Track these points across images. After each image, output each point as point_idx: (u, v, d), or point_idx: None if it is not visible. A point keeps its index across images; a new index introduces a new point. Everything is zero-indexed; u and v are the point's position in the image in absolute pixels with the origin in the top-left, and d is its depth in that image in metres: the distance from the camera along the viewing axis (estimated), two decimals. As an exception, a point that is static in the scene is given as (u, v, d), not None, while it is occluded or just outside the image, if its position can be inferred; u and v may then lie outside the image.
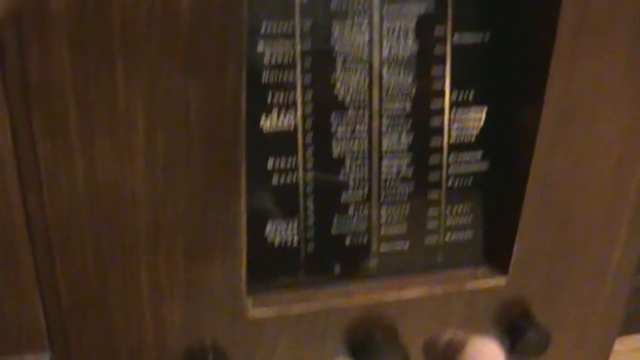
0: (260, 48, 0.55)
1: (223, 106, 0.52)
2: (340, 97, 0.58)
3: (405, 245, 0.63)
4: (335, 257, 0.62)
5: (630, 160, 0.61)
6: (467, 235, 0.64)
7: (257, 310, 0.59)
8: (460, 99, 0.60)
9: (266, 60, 0.56)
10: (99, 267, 0.55)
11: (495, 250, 0.64)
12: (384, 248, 0.63)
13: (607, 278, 0.66)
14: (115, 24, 0.48)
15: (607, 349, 0.71)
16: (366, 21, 0.57)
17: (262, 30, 0.55)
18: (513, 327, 0.65)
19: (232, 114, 0.52)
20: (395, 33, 0.58)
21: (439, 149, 0.61)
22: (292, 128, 0.58)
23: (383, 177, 0.61)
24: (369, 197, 0.61)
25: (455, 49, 0.59)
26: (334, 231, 0.61)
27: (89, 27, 0.48)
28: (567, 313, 0.67)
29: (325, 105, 0.58)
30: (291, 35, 0.56)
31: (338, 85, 0.58)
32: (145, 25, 0.49)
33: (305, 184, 0.59)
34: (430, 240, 0.63)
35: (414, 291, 0.62)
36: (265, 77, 0.56)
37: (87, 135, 0.51)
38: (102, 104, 0.50)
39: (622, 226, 0.64)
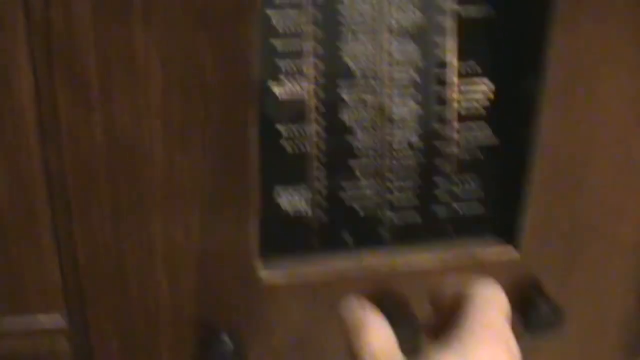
0: (273, 19, 0.58)
1: (237, 66, 0.54)
2: (350, 66, 0.60)
3: (416, 215, 0.64)
4: (347, 226, 0.63)
5: (636, 126, 0.62)
6: (479, 208, 0.65)
7: (270, 276, 0.61)
8: (467, 71, 0.62)
9: (279, 29, 0.58)
10: (115, 226, 0.57)
11: (507, 224, 0.65)
12: (395, 218, 0.64)
13: (621, 254, 0.67)
14: (134, -20, 0.51)
15: (626, 328, 0.71)
16: (374, -8, 0.59)
17: (276, 1, 0.58)
18: (526, 302, 0.65)
19: (245, 74, 0.54)
20: (403, 4, 0.60)
21: (448, 120, 0.63)
22: (303, 94, 0.60)
23: (393, 146, 0.62)
24: (378, 166, 0.62)
25: (461, 22, 0.61)
26: (345, 200, 0.63)
27: (110, -17, 0.51)
28: (581, 290, 0.68)
29: (335, 74, 0.60)
30: (302, 6, 0.58)
31: (348, 54, 0.60)
32: (162, -17, 0.51)
33: (318, 151, 0.61)
34: (441, 211, 0.64)
35: (425, 260, 0.63)
36: (279, 46, 0.59)
37: (106, 90, 0.53)
38: (121, 60, 0.52)
39: (631, 198, 0.65)
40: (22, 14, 0.51)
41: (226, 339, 0.60)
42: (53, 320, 0.59)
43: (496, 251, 0.65)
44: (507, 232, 0.65)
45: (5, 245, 0.56)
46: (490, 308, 0.48)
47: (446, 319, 0.49)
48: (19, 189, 0.54)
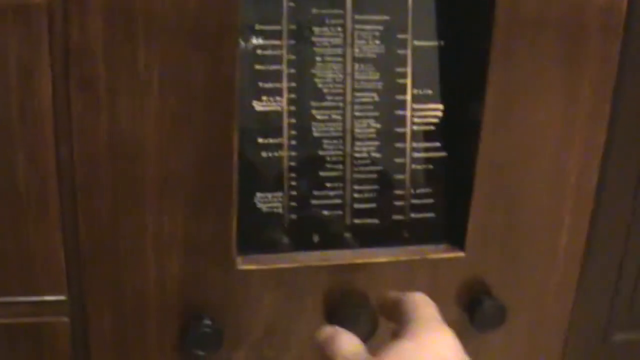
0: (253, 42, 0.69)
1: (221, 77, 0.64)
2: (319, 87, 0.71)
3: (375, 218, 0.74)
4: (314, 226, 0.73)
5: (567, 144, 0.72)
6: (430, 214, 0.75)
7: (246, 266, 0.69)
8: (420, 94, 0.73)
9: (259, 52, 0.69)
10: (113, 213, 0.66)
11: (454, 229, 0.74)
12: (356, 221, 0.73)
13: (557, 259, 0.76)
14: (138, 4, 0.62)
15: (563, 329, 0.79)
16: (340, 26, 0.70)
17: (256, 28, 0.68)
18: (472, 300, 0.74)
19: (228, 84, 0.64)
20: (366, 36, 0.71)
21: (404, 136, 0.73)
22: (279, 110, 0.70)
23: (355, 157, 0.72)
24: (343, 175, 0.72)
25: (416, 52, 0.72)
26: (313, 203, 0.72)
27: (119, 4, 0.61)
28: (522, 291, 0.77)
29: (306, 93, 0.71)
30: (279, 34, 0.69)
31: (317, 77, 0.70)
32: (161, 7, 0.62)
33: (290, 159, 0.71)
34: (397, 215, 0.74)
35: (381, 257, 0.72)
36: (258, 66, 0.69)
37: (111, 95, 0.63)
38: (125, 70, 0.63)
39: (565, 209, 0.75)
40: (47, 30, 0.61)
41: (207, 320, 0.69)
42: (56, 297, 0.67)
43: (444, 251, 0.74)
44: (454, 235, 0.74)
45: (20, 227, 0.65)
46: (424, 305, 0.59)
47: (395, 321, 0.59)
48: (34, 177, 0.64)
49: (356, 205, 0.73)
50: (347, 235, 0.74)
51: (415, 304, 0.59)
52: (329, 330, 0.59)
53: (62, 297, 0.67)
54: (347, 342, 0.57)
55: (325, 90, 0.71)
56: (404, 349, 0.54)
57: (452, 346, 0.55)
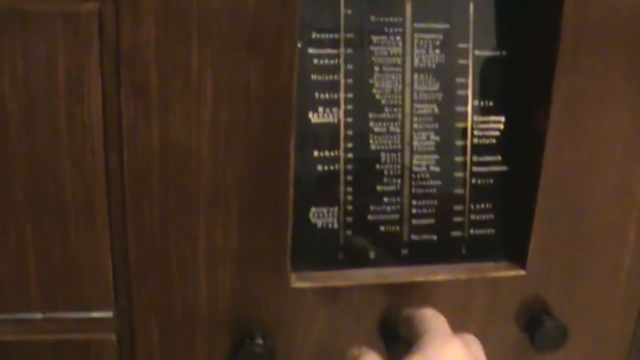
0: (310, 52, 0.66)
1: (278, 84, 0.62)
2: (377, 98, 0.68)
3: (433, 235, 0.71)
4: (370, 242, 0.70)
5: (634, 157, 0.69)
6: (490, 230, 0.72)
7: (299, 282, 0.67)
8: (481, 105, 0.70)
9: (315, 62, 0.67)
10: (163, 224, 0.63)
11: (515, 245, 0.71)
12: (414, 237, 0.70)
13: (621, 277, 0.73)
14: (192, 7, 0.59)
15: (625, 346, 0.75)
16: (400, 34, 0.68)
17: (313, 37, 0.66)
18: (532, 320, 0.71)
19: (285, 92, 0.62)
20: (424, 45, 0.68)
21: (464, 149, 0.70)
22: (335, 122, 0.67)
23: (414, 171, 0.69)
24: (401, 190, 0.69)
25: (477, 62, 0.69)
26: (370, 219, 0.69)
27: (172, 8, 0.59)
28: (584, 311, 0.73)
29: (364, 104, 0.68)
30: (336, 43, 0.67)
31: (375, 87, 0.68)
32: (217, 9, 0.60)
33: (346, 173, 0.68)
34: (456, 232, 0.71)
35: (440, 275, 0.69)
36: (314, 76, 0.67)
37: (163, 102, 0.61)
38: (178, 76, 0.60)
39: (630, 225, 0.71)
40: (97, 34, 0.59)
41: (259, 338, 0.66)
42: (103, 312, 0.65)
43: (504, 269, 0.71)
44: (514, 252, 0.71)
45: (67, 239, 0.63)
46: (433, 319, 0.62)
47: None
48: (82, 186, 0.62)
49: (414, 221, 0.70)
50: (404, 251, 0.71)
51: (424, 318, 0.62)
52: (356, 350, 0.61)
53: (109, 314, 0.65)
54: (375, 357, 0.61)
55: (383, 102, 0.68)
56: None
57: (461, 357, 0.57)
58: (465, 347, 0.59)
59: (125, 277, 0.64)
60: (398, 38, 0.68)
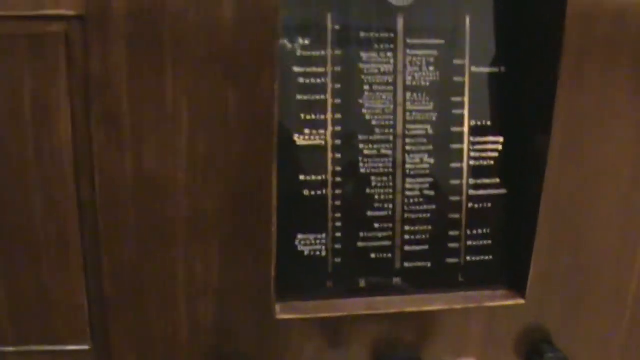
0: (295, 70, 0.63)
1: (258, 111, 0.58)
2: (367, 119, 0.64)
3: (426, 262, 0.67)
4: (360, 270, 0.66)
5: (638, 180, 0.65)
6: (488, 257, 0.68)
7: (285, 313, 0.64)
8: (478, 125, 0.66)
9: (301, 81, 0.63)
10: (140, 256, 0.61)
11: (513, 272, 0.68)
12: (407, 264, 0.67)
13: (625, 306, 0.69)
14: (166, 31, 0.56)
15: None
16: (391, 51, 0.64)
17: (298, 54, 0.62)
18: (532, 350, 0.68)
19: (266, 118, 0.59)
20: (418, 62, 0.64)
21: (459, 172, 0.66)
22: (323, 144, 0.64)
23: (406, 195, 0.66)
24: (392, 215, 0.66)
25: (473, 79, 0.65)
26: (360, 245, 0.66)
27: (144, 32, 0.56)
28: (586, 340, 0.70)
29: (353, 126, 0.64)
30: (323, 61, 0.63)
31: (365, 107, 0.64)
32: (192, 33, 0.56)
33: (334, 198, 0.65)
34: (452, 260, 0.67)
35: (434, 305, 0.66)
36: (300, 96, 0.63)
37: (137, 131, 0.58)
38: (152, 103, 0.57)
39: (636, 251, 0.67)
40: (65, 64, 0.56)
41: (242, 372, 0.64)
42: (78, 346, 0.62)
43: (502, 297, 0.67)
44: (513, 280, 0.68)
45: (39, 272, 0.60)
46: None
47: None
48: (53, 218, 0.59)
49: (407, 248, 0.67)
50: (397, 280, 0.67)
51: None
52: None
53: (85, 347, 0.62)
54: None
55: (373, 122, 0.64)
56: None
57: None
58: None
59: (102, 311, 0.62)
60: (389, 55, 0.64)
